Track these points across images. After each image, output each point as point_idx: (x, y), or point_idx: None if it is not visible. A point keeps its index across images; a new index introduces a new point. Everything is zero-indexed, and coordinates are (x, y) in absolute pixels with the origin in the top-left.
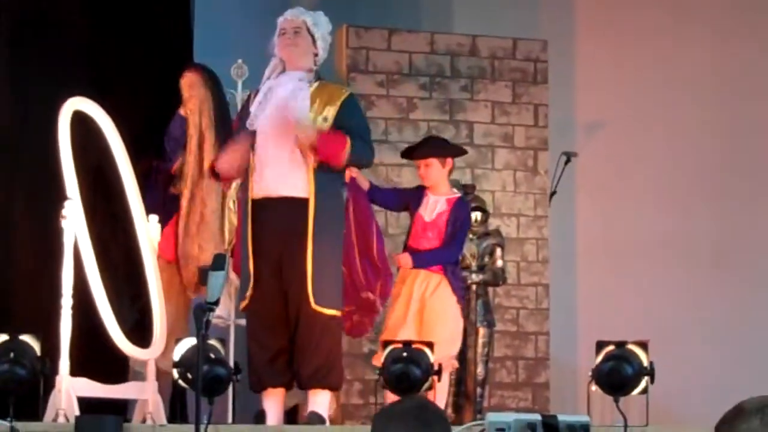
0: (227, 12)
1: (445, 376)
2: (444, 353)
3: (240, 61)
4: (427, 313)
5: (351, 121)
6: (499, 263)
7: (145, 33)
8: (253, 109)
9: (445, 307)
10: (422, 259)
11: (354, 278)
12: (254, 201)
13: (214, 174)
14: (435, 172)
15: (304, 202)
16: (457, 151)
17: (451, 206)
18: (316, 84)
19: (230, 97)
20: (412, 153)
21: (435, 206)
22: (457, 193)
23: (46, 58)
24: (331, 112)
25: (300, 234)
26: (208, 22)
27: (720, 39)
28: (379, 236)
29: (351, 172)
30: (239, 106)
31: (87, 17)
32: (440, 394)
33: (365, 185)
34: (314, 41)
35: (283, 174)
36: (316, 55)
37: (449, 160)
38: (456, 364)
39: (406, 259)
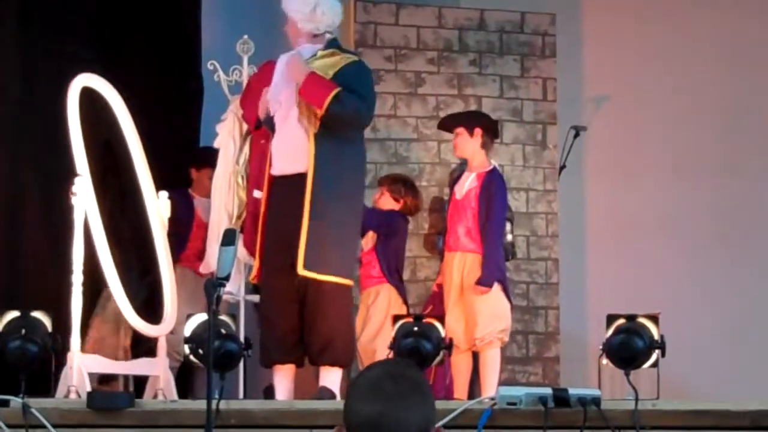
0: None
1: (496, 352)
2: (488, 329)
3: (246, 36)
4: (467, 293)
5: (350, 77)
6: (509, 238)
7: (152, 9)
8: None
9: None
10: (488, 277)
11: None
12: (270, 177)
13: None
14: (463, 141)
15: (305, 176)
16: (483, 121)
17: (481, 181)
18: (326, 51)
19: (236, 73)
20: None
21: (465, 182)
22: (489, 167)
23: (54, 35)
24: (331, 72)
25: (301, 206)
26: (216, 0)
27: (729, 12)
28: None
29: None
30: (244, 82)
31: None
32: (491, 370)
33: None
34: (296, 22)
35: (293, 150)
36: (314, 26)
37: (478, 131)
38: (505, 340)
39: (482, 291)
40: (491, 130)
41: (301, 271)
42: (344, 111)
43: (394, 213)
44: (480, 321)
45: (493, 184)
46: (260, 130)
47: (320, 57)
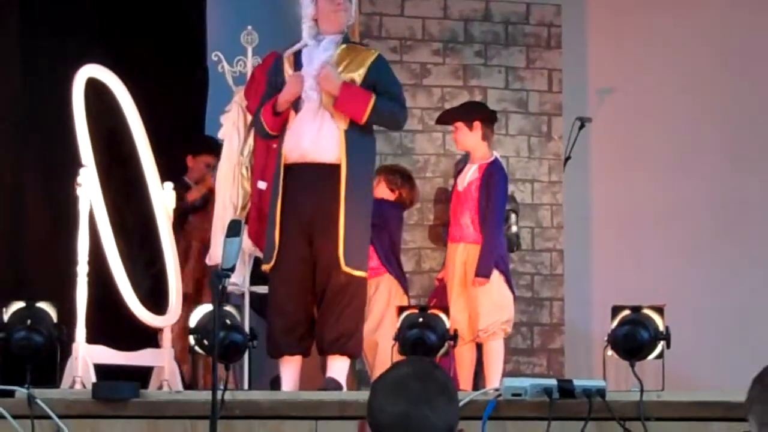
0: None
1: (500, 343)
2: (491, 320)
3: (250, 27)
4: (470, 284)
5: (380, 79)
6: (514, 229)
7: (157, 1)
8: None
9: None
10: (486, 268)
11: None
12: (287, 166)
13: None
14: (463, 135)
15: (335, 167)
16: (480, 113)
17: (482, 173)
18: (343, 45)
19: (241, 64)
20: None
21: (467, 174)
22: (490, 158)
23: (57, 25)
24: (360, 72)
25: (332, 199)
26: None
27: (736, 4)
28: None
29: None
30: (249, 73)
31: None
32: (495, 361)
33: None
34: (351, 10)
35: (319, 139)
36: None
37: (477, 124)
38: (508, 331)
39: (480, 281)
40: (490, 120)
41: (345, 268)
42: (382, 118)
43: (385, 202)
44: (483, 312)
45: (494, 175)
46: None
47: (343, 53)
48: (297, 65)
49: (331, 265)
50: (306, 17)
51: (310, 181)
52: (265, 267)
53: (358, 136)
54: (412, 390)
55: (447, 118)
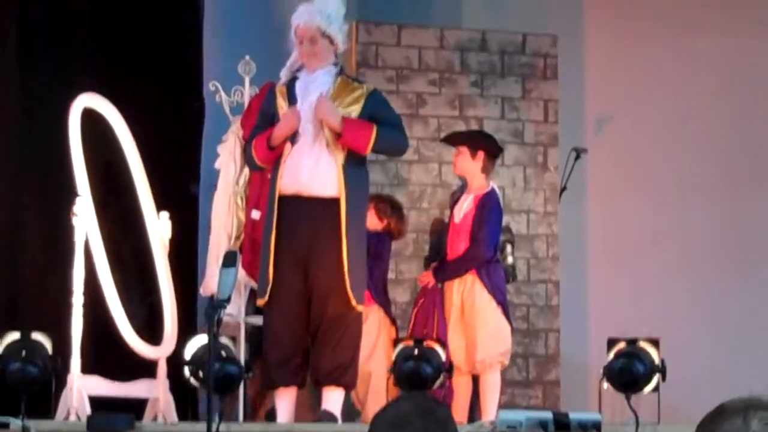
0: (235, 10)
1: (497, 375)
2: (488, 352)
3: (247, 57)
4: (467, 316)
5: (377, 112)
6: (510, 260)
7: (154, 30)
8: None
9: (482, 307)
10: (445, 273)
11: None
12: (282, 197)
13: (253, 162)
14: (463, 161)
15: (333, 201)
16: (487, 145)
17: (476, 204)
18: (338, 79)
19: (238, 94)
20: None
21: (463, 205)
22: (487, 188)
23: (54, 57)
24: (356, 108)
25: (329, 231)
26: (216, 20)
27: (729, 35)
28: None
29: None
30: (246, 103)
31: (96, 16)
32: (491, 393)
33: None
34: (332, 40)
35: (316, 173)
36: (336, 47)
37: (480, 154)
38: (506, 363)
39: (427, 278)
40: (494, 154)
41: (356, 305)
42: (385, 147)
43: (380, 234)
44: (480, 344)
45: (487, 205)
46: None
47: (339, 89)
48: (290, 97)
49: (327, 298)
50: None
51: (306, 214)
52: (260, 302)
53: (354, 170)
54: (414, 426)
55: (453, 139)
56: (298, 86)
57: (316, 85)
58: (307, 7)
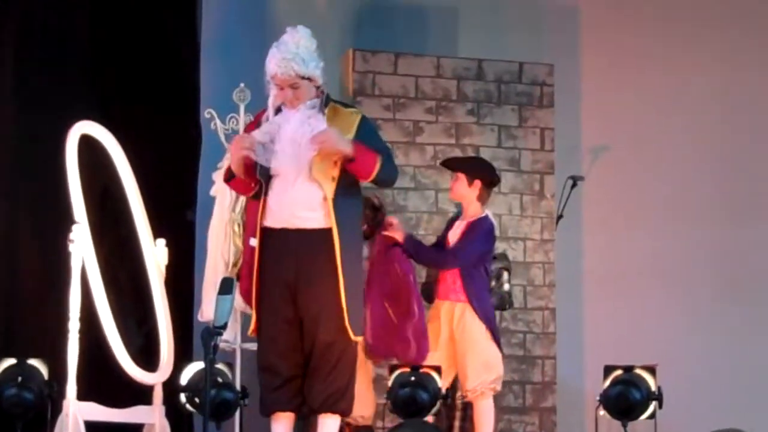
0: (232, 39)
1: (489, 402)
2: (479, 380)
3: (242, 85)
4: (458, 343)
5: (372, 144)
6: (506, 287)
7: (152, 59)
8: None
9: (473, 334)
10: (413, 248)
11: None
12: (266, 228)
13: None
14: (460, 187)
15: (322, 232)
16: (484, 173)
17: (466, 227)
18: (327, 109)
19: (233, 121)
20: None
21: (456, 231)
22: (480, 215)
23: (51, 83)
24: (349, 137)
25: (321, 258)
26: (213, 49)
27: (723, 65)
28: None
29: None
30: (241, 130)
31: (94, 44)
32: (486, 421)
33: (400, 237)
34: (311, 78)
35: (303, 209)
36: (316, 81)
37: (477, 183)
38: (497, 389)
39: (397, 234)
40: (491, 184)
41: (354, 337)
42: (384, 176)
43: None
44: (470, 372)
45: (476, 228)
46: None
47: (330, 116)
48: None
49: (318, 324)
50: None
51: (293, 243)
52: (250, 332)
53: (346, 199)
54: None
55: (452, 164)
56: (280, 119)
57: (299, 116)
58: (279, 56)
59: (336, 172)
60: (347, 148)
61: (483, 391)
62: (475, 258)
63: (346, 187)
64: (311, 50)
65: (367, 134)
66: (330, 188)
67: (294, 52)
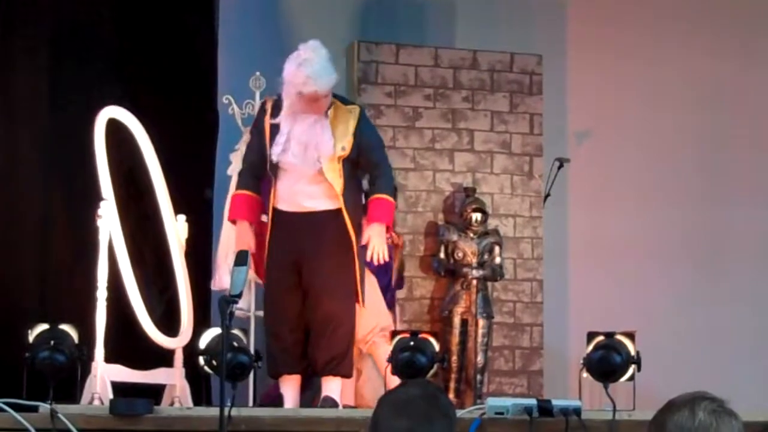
0: (247, 30)
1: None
2: (369, 327)
3: (258, 73)
4: None
5: (364, 146)
6: (498, 260)
7: (173, 49)
8: (276, 146)
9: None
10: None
11: None
12: (276, 210)
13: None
14: None
15: (331, 212)
16: None
17: None
18: (330, 110)
19: (249, 106)
20: None
21: None
22: None
23: (82, 73)
24: (348, 139)
25: (328, 238)
26: (230, 39)
27: (696, 56)
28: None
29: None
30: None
31: (120, 37)
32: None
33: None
34: (331, 90)
35: (314, 197)
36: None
37: None
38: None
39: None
40: None
41: (362, 306)
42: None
43: None
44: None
45: None
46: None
47: (333, 115)
48: (275, 114)
49: (322, 296)
50: (283, 92)
51: (303, 224)
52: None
53: (349, 192)
54: (419, 409)
55: None
56: (290, 122)
57: (299, 126)
58: (315, 75)
59: (341, 168)
60: (383, 233)
61: (374, 341)
62: None
63: (350, 178)
64: (329, 58)
65: (366, 131)
66: (339, 184)
67: (327, 68)
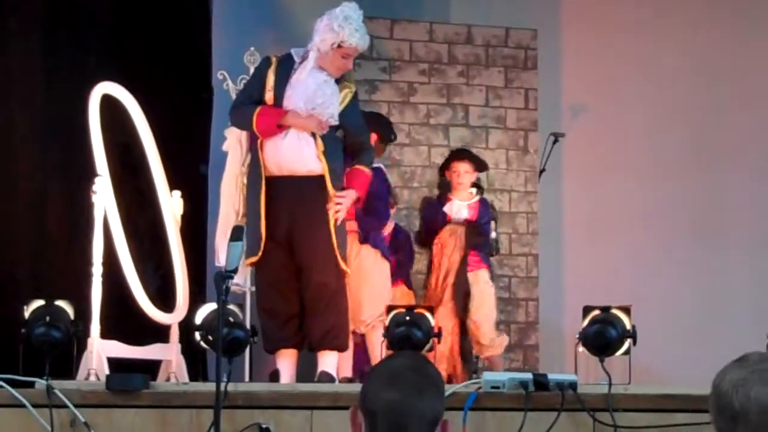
0: (242, 4)
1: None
2: (373, 312)
3: (252, 48)
4: (351, 276)
5: (350, 124)
6: (493, 235)
7: (167, 25)
8: (289, 92)
9: (370, 267)
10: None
11: None
12: (269, 178)
13: (241, 123)
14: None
15: (315, 178)
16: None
17: None
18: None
19: (244, 82)
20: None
21: None
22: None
23: (77, 49)
24: (340, 109)
25: (315, 206)
26: (225, 14)
27: (692, 30)
28: None
29: None
30: None
31: (115, 14)
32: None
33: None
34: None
35: (301, 156)
36: None
37: (373, 135)
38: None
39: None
40: (385, 139)
41: (345, 266)
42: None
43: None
44: (364, 306)
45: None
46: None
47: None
48: (280, 75)
49: (313, 268)
50: (314, 47)
51: (288, 191)
52: (252, 260)
53: (333, 149)
54: (407, 380)
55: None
56: (295, 72)
57: (316, 80)
58: (362, 31)
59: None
60: (352, 199)
61: (375, 325)
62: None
63: (333, 138)
64: None
65: (352, 112)
66: (320, 140)
67: (364, 27)
